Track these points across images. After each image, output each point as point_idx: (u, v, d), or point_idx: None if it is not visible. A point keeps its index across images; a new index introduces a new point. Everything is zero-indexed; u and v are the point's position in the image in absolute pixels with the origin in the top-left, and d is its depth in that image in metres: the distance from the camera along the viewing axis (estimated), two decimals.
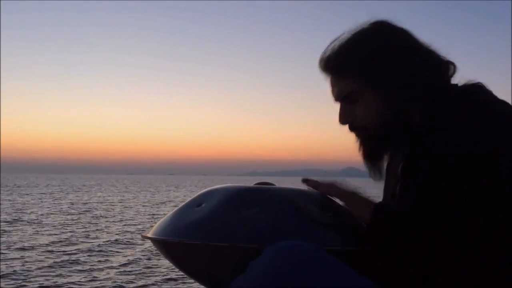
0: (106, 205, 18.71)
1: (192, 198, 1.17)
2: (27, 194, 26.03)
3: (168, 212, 1.23)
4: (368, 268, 0.99)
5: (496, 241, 0.91)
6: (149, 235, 1.12)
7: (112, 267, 6.34)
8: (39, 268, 6.15)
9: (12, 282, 5.39)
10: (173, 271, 5.79)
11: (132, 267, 6.35)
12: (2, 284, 5.29)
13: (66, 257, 6.97)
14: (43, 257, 6.98)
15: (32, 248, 7.75)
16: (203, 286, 1.17)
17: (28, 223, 11.42)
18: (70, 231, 10.07)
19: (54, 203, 18.86)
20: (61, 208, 16.39)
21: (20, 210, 15.19)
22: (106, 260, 6.82)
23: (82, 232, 10.03)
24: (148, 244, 7.39)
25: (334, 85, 1.11)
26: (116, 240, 8.83)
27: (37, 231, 10.01)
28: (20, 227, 10.49)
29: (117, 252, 7.53)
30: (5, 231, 9.79)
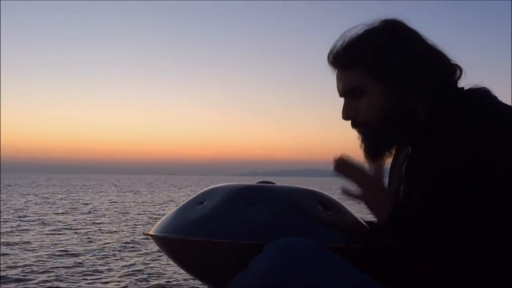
0: (108, 205, 18.68)
1: (193, 196, 1.18)
2: (28, 194, 26.00)
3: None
4: (369, 266, 0.99)
5: (498, 241, 0.92)
6: (151, 232, 1.13)
7: (113, 268, 6.34)
8: (40, 268, 6.14)
9: (13, 283, 5.38)
10: (178, 273, 5.78)
11: (134, 268, 6.34)
12: (2, 286, 5.28)
13: (66, 257, 6.96)
14: (44, 257, 6.98)
15: (33, 248, 7.74)
16: (205, 285, 1.17)
17: (29, 223, 11.41)
18: (71, 232, 10.05)
19: (55, 203, 18.83)
20: (63, 208, 16.37)
21: (21, 210, 15.17)
22: (108, 261, 6.81)
23: (84, 232, 10.01)
24: (152, 244, 7.37)
25: (340, 78, 1.11)
26: (118, 240, 8.81)
27: (39, 231, 9.99)
28: (20, 227, 10.47)
29: (118, 252, 7.51)
30: (5, 230, 9.78)
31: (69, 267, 6.29)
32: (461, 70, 1.08)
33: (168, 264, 6.22)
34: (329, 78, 1.13)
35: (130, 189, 35.73)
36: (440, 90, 1.04)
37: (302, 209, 1.07)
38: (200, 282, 1.18)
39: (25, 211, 14.85)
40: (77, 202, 20.18)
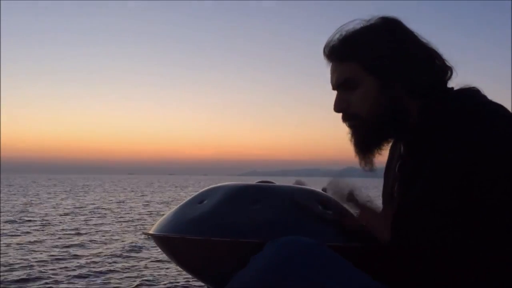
0: (111, 204, 18.66)
1: (194, 195, 1.18)
2: (28, 194, 25.99)
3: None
4: (369, 264, 1.00)
5: (496, 241, 0.92)
6: (150, 232, 1.13)
7: (115, 268, 6.33)
8: (40, 269, 6.14)
9: (13, 284, 5.38)
10: (180, 275, 5.77)
11: (137, 269, 6.33)
12: (3, 285, 5.28)
13: (67, 257, 6.96)
14: (45, 257, 6.97)
15: (33, 248, 7.74)
16: (204, 285, 1.18)
17: (29, 223, 11.41)
18: (73, 231, 10.05)
19: (56, 203, 18.82)
20: (65, 208, 16.36)
21: (21, 210, 15.16)
22: (110, 261, 6.80)
23: (85, 232, 10.01)
24: (153, 245, 7.36)
25: (334, 71, 1.11)
26: (120, 240, 8.81)
27: (39, 231, 9.99)
28: (21, 227, 10.47)
29: (120, 252, 7.51)
30: (5, 230, 9.77)
31: (71, 269, 6.29)
32: (451, 70, 1.08)
33: (169, 266, 6.21)
34: (330, 65, 1.13)
35: (133, 189, 35.71)
36: (433, 90, 1.05)
37: (301, 208, 1.07)
38: (200, 282, 1.18)
39: (25, 211, 14.84)
40: (79, 201, 20.18)
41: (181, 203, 1.18)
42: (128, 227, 10.91)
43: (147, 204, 19.27)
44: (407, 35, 1.08)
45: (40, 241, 8.37)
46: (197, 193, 1.19)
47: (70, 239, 8.77)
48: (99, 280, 5.65)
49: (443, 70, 1.08)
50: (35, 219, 12.37)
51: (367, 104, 1.07)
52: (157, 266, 6.36)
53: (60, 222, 11.65)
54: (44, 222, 11.66)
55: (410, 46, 1.06)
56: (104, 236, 9.36)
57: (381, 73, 1.05)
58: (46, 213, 14.16)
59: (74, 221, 12.01)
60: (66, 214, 14.04)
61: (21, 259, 6.73)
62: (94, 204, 19.03)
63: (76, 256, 7.02)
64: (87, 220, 12.32)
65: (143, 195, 27.28)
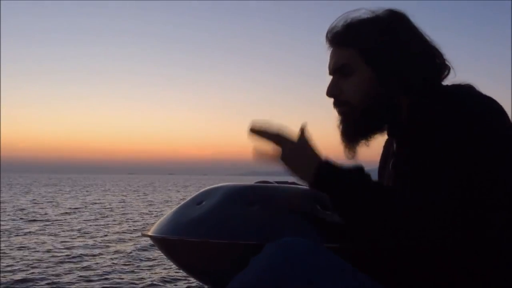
0: (111, 204, 18.67)
1: (192, 196, 1.17)
2: (27, 193, 26.01)
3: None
4: (368, 265, 0.99)
5: (478, 234, 0.92)
6: (149, 233, 1.12)
7: (115, 269, 6.33)
8: (41, 270, 6.14)
9: (15, 284, 5.38)
10: (177, 273, 5.76)
11: (135, 268, 6.33)
12: (3, 284, 5.28)
13: (67, 258, 6.95)
14: (45, 257, 6.97)
15: (34, 248, 7.74)
16: (204, 286, 1.17)
17: (30, 223, 11.41)
18: (74, 232, 10.05)
19: (57, 204, 18.83)
20: (65, 208, 16.37)
21: (22, 210, 15.17)
22: (111, 262, 6.79)
23: (86, 232, 10.00)
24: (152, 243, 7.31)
25: (333, 55, 1.12)
26: (123, 241, 8.80)
27: (41, 231, 9.99)
28: (22, 228, 10.47)
29: (121, 253, 7.50)
30: (6, 230, 9.77)
31: (69, 266, 6.28)
32: (449, 69, 1.08)
33: (171, 268, 6.20)
34: (331, 50, 1.13)
35: (134, 189, 35.71)
36: (425, 88, 1.05)
37: (300, 209, 1.07)
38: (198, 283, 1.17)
39: (26, 211, 14.85)
40: (82, 201, 20.19)
41: (180, 204, 1.18)
42: (131, 227, 10.92)
43: (150, 204, 19.28)
44: (410, 31, 1.07)
45: (42, 242, 8.37)
46: (196, 194, 1.18)
47: (72, 240, 8.78)
48: (103, 282, 5.64)
49: (441, 69, 1.08)
50: (36, 219, 12.38)
51: (359, 93, 1.07)
52: (163, 268, 6.35)
53: (63, 223, 11.65)
54: (46, 222, 11.67)
55: (411, 42, 1.06)
56: (107, 236, 9.36)
57: (377, 64, 1.06)
58: (46, 213, 14.17)
59: (78, 222, 12.00)
60: (68, 214, 14.05)
61: (22, 259, 6.73)
62: (96, 204, 19.05)
63: (79, 257, 7.01)
64: (89, 220, 12.34)
65: (145, 195, 27.32)
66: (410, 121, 1.06)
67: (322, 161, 1.02)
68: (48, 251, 7.49)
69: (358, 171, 1.01)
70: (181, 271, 1.24)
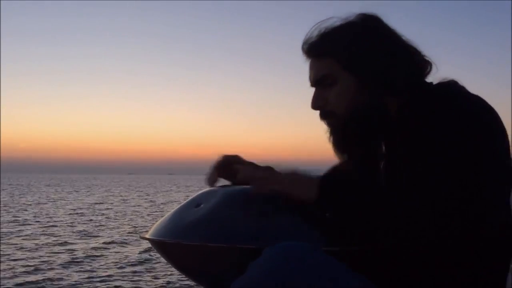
0: (112, 205, 18.66)
1: (190, 199, 1.16)
2: (27, 193, 26.02)
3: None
4: (367, 268, 0.98)
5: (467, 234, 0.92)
6: (147, 236, 1.11)
7: (115, 269, 6.32)
8: (40, 269, 6.13)
9: (12, 282, 5.36)
10: (176, 275, 5.74)
11: (134, 269, 6.31)
12: (2, 285, 5.26)
13: (67, 258, 6.94)
14: (45, 257, 6.96)
15: (34, 248, 7.73)
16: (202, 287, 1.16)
17: (30, 223, 11.40)
18: (74, 232, 10.03)
19: (57, 204, 18.83)
20: (65, 208, 16.36)
21: (22, 210, 15.17)
22: (110, 262, 6.77)
23: (86, 232, 9.98)
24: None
25: (312, 67, 1.10)
26: (124, 241, 8.78)
27: (41, 231, 9.97)
28: (22, 228, 10.46)
29: (121, 254, 7.49)
30: (6, 231, 9.76)
31: (68, 267, 6.26)
32: (431, 65, 1.08)
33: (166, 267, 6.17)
34: (309, 61, 1.12)
35: (134, 189, 35.70)
36: (411, 87, 1.04)
37: (299, 212, 1.05)
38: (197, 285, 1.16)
39: (27, 211, 14.85)
40: (82, 202, 20.19)
41: (178, 207, 1.17)
42: (134, 228, 10.90)
43: (153, 205, 19.26)
44: (385, 32, 1.07)
45: (44, 243, 8.34)
46: (194, 196, 1.17)
47: (75, 241, 8.76)
48: (99, 278, 5.62)
49: (422, 66, 1.07)
50: (37, 219, 12.37)
51: (344, 102, 1.06)
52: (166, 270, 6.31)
53: (65, 224, 11.63)
54: (48, 223, 11.65)
55: (387, 43, 1.05)
56: (110, 237, 9.34)
57: (357, 70, 1.04)
58: (48, 213, 14.16)
59: (80, 222, 11.97)
60: (71, 214, 14.05)
61: (23, 260, 6.71)
62: (98, 204, 19.05)
63: (81, 260, 6.97)
64: (91, 221, 12.32)
65: (147, 195, 27.31)
66: (399, 122, 1.04)
67: (321, 176, 1.01)
68: (50, 252, 7.47)
69: (356, 178, 1.00)
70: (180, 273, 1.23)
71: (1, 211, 14.19)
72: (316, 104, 1.09)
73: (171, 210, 1.18)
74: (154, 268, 6.34)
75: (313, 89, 1.12)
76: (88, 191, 31.29)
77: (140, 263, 6.74)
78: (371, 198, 0.95)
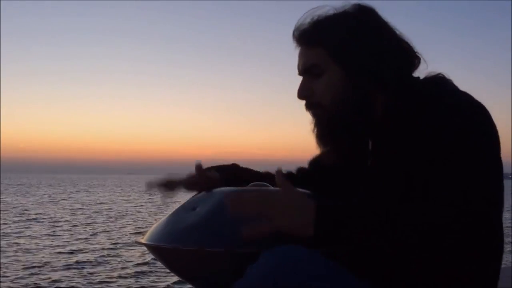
0: (113, 206, 18.67)
1: (186, 202, 1.15)
2: (27, 193, 26.03)
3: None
4: (366, 269, 0.97)
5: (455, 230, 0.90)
6: (143, 241, 1.09)
7: (118, 271, 6.31)
8: (40, 270, 6.12)
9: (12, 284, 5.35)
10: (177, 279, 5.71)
11: (136, 270, 6.30)
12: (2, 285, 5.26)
13: (67, 258, 6.94)
14: (45, 258, 6.95)
15: (35, 249, 7.73)
16: None
17: (30, 224, 11.41)
18: (74, 232, 10.03)
19: (57, 204, 18.84)
20: (65, 209, 16.37)
21: (23, 210, 15.17)
22: (112, 263, 6.76)
23: (86, 233, 9.98)
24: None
25: (302, 55, 1.09)
26: (125, 242, 8.77)
27: (40, 232, 9.97)
28: (21, 228, 10.46)
29: (122, 254, 7.49)
30: (6, 231, 9.76)
31: (68, 268, 6.25)
32: (419, 60, 1.06)
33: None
34: (299, 49, 1.10)
35: (135, 190, 35.73)
36: (399, 83, 1.02)
37: None
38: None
39: (27, 211, 14.85)
40: (83, 202, 20.20)
41: (174, 210, 1.15)
42: (136, 229, 10.90)
43: (154, 205, 19.27)
44: (377, 25, 1.05)
45: (46, 245, 8.34)
46: (190, 199, 1.16)
47: (76, 241, 8.76)
48: (99, 278, 5.61)
49: (412, 61, 1.06)
50: (38, 220, 12.37)
51: (330, 93, 1.04)
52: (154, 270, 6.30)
53: (66, 225, 11.63)
54: (50, 223, 11.66)
55: (378, 37, 1.03)
56: (111, 238, 9.34)
57: (346, 62, 1.03)
58: (50, 213, 14.17)
59: (83, 223, 11.97)
60: (74, 214, 14.05)
61: (23, 259, 6.71)
62: (100, 204, 19.05)
63: (83, 263, 6.96)
64: (94, 221, 12.33)
65: (150, 195, 27.31)
66: (386, 119, 1.03)
67: (317, 206, 0.90)
68: (52, 253, 7.47)
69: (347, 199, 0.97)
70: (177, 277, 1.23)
71: (2, 211, 14.19)
72: (302, 93, 1.08)
73: (172, 211, 1.17)
74: (156, 271, 6.33)
75: (300, 78, 1.10)
76: (88, 191, 31.30)
77: (141, 265, 6.73)
78: (369, 221, 0.90)
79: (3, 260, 6.62)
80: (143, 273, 6.16)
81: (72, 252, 7.70)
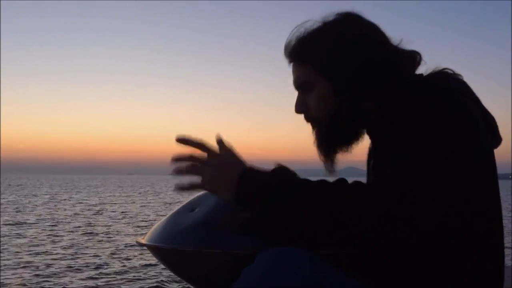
0: (113, 206, 18.69)
1: (186, 203, 1.16)
2: (28, 194, 26.07)
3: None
4: (363, 271, 0.98)
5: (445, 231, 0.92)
6: (143, 241, 1.11)
7: (116, 269, 6.32)
8: (40, 271, 6.12)
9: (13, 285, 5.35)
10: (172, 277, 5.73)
11: (135, 270, 6.30)
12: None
13: (66, 260, 6.94)
14: (45, 259, 6.95)
15: (34, 250, 7.73)
16: None
17: (30, 224, 11.42)
18: (74, 233, 10.04)
19: (57, 205, 18.86)
20: (65, 210, 16.39)
21: (23, 211, 15.19)
22: (113, 264, 6.77)
23: (86, 233, 9.99)
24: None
25: (293, 72, 1.12)
26: (125, 243, 8.78)
27: (41, 232, 9.98)
28: (22, 229, 10.46)
29: (123, 255, 7.49)
30: (6, 232, 9.77)
31: (68, 269, 6.26)
32: (419, 55, 1.07)
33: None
34: (291, 65, 1.12)
35: (136, 190, 35.79)
36: (391, 88, 1.03)
37: None
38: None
39: (27, 212, 14.87)
40: (83, 203, 20.23)
41: (173, 211, 1.16)
42: (137, 229, 10.91)
43: (155, 206, 19.29)
44: (362, 34, 1.05)
45: (47, 246, 8.33)
46: (189, 200, 1.17)
47: (79, 241, 8.76)
48: (99, 278, 5.61)
49: (402, 65, 1.06)
50: (40, 221, 12.38)
51: (322, 107, 1.07)
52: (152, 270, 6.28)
53: (68, 225, 11.63)
54: (52, 224, 11.66)
55: (363, 46, 1.03)
56: (112, 238, 9.34)
57: (332, 77, 1.05)
58: (50, 214, 14.18)
59: (82, 223, 11.98)
60: (76, 214, 14.07)
61: (22, 260, 6.71)
62: (101, 204, 19.08)
63: (76, 258, 6.98)
64: (95, 222, 12.33)
65: (147, 196, 27.37)
66: (380, 123, 1.05)
67: (246, 168, 0.97)
68: (53, 254, 7.47)
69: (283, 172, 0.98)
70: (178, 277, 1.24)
71: (2, 212, 14.21)
72: (298, 109, 1.11)
73: (172, 211, 1.17)
74: (158, 271, 6.33)
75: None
76: (88, 192, 31.36)
77: (142, 265, 6.74)
78: (302, 197, 0.91)
79: (3, 261, 6.62)
80: (144, 273, 6.16)
81: (72, 253, 7.70)
